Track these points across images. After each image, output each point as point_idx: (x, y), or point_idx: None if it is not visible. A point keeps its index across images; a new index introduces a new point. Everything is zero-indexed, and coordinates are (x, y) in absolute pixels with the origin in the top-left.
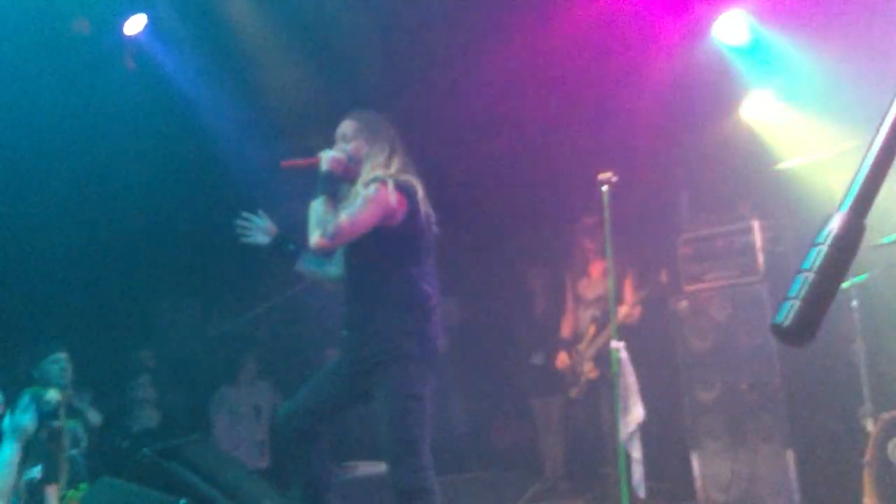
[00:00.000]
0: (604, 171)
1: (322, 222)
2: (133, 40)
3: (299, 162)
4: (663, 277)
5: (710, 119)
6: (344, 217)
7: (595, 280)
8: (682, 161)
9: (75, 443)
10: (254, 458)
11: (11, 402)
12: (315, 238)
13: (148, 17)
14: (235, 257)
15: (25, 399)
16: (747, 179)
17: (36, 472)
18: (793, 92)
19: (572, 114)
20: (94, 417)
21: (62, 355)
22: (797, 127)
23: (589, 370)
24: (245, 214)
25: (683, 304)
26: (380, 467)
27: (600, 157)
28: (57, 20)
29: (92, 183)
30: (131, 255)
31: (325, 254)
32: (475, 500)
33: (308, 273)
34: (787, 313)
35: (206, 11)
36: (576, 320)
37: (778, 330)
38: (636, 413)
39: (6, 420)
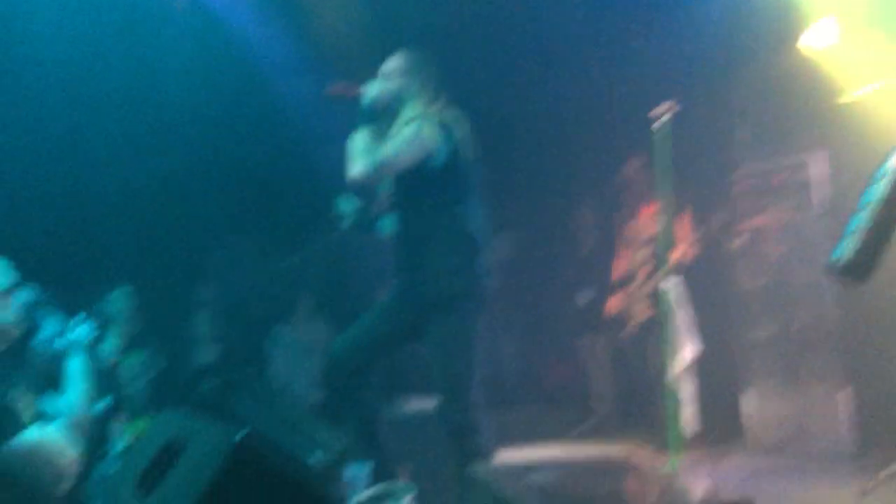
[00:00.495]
0: (659, 105)
1: (364, 154)
2: None
3: (344, 89)
4: (720, 214)
5: (770, 50)
6: (386, 151)
7: (646, 220)
8: (740, 94)
9: (140, 375)
10: (308, 393)
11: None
12: (356, 170)
13: None
14: (289, 196)
15: (74, 321)
16: (807, 112)
17: (106, 401)
18: (858, 17)
19: (625, 45)
20: (156, 356)
21: (125, 290)
22: (861, 57)
23: (641, 311)
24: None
25: (738, 240)
26: (430, 403)
27: (654, 91)
28: None
29: (148, 123)
30: (188, 194)
31: (364, 187)
32: (524, 435)
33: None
34: (845, 251)
35: None
36: (626, 262)
37: (834, 267)
38: (687, 352)
39: (59, 340)
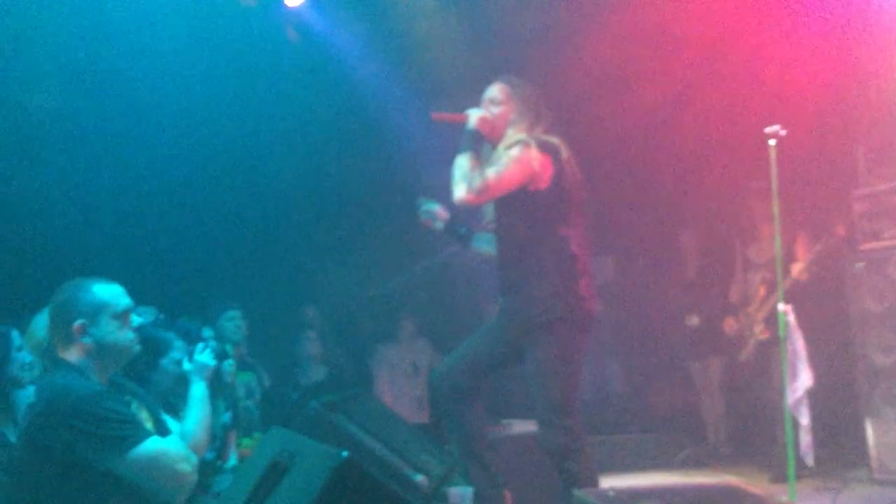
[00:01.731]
0: (770, 126)
1: (468, 177)
2: (294, 12)
3: (448, 116)
4: (839, 231)
5: (889, 67)
6: (490, 173)
7: (765, 243)
8: (857, 113)
9: (250, 394)
10: (413, 413)
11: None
12: (460, 192)
13: None
14: (393, 219)
15: (201, 345)
16: None
17: (227, 417)
18: None
19: (735, 67)
20: (264, 376)
21: (236, 312)
22: None
23: (760, 332)
24: (420, 202)
25: (860, 263)
26: (535, 426)
27: (765, 113)
28: None
29: (259, 151)
30: (295, 217)
31: (468, 209)
32: (631, 461)
33: (481, 253)
34: None
35: None
36: (745, 284)
37: None
38: (804, 378)
39: (185, 363)
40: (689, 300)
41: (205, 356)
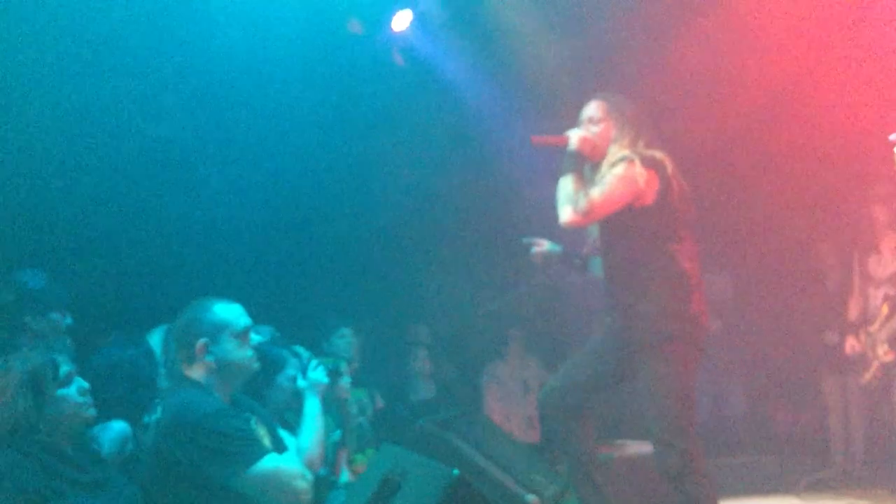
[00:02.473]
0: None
1: (572, 199)
2: (401, 36)
3: (549, 139)
4: None
5: None
6: (595, 193)
7: (887, 255)
8: None
9: (362, 411)
10: (523, 432)
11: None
12: (566, 215)
13: (413, 13)
14: (501, 236)
15: (314, 362)
16: None
17: (336, 435)
18: None
19: (861, 71)
20: (376, 393)
21: (348, 330)
22: None
23: (883, 353)
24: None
25: None
26: (649, 447)
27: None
28: (333, 22)
29: (369, 172)
30: (406, 237)
31: (575, 230)
32: (753, 485)
33: (598, 277)
34: None
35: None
36: (865, 300)
37: None
38: None
39: (300, 380)
40: (827, 316)
41: (318, 373)
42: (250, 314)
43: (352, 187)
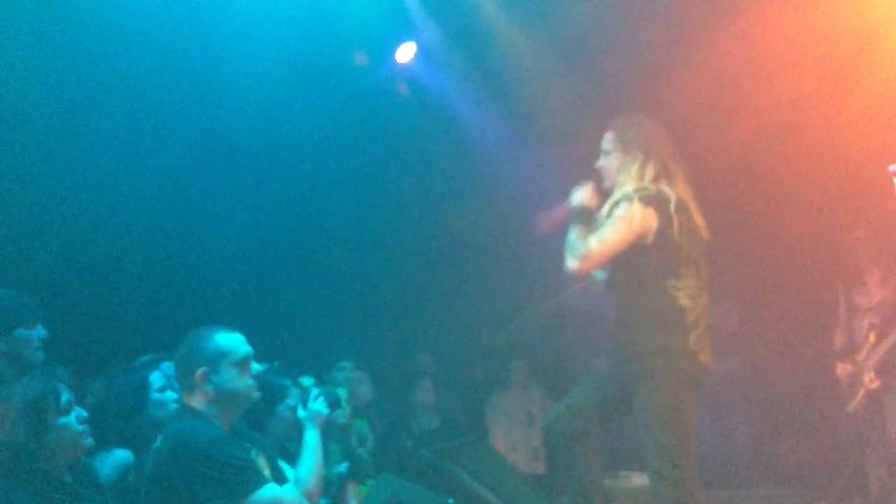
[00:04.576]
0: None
1: (573, 248)
2: (405, 67)
3: (554, 217)
4: None
5: None
6: (593, 241)
7: (872, 287)
8: None
9: (362, 441)
10: (528, 464)
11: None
12: (568, 263)
13: (417, 45)
14: (504, 266)
15: (315, 392)
16: None
17: (343, 467)
18: None
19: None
20: (376, 422)
21: (348, 363)
22: None
23: (869, 380)
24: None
25: None
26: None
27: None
28: (338, 54)
29: (373, 202)
30: (409, 266)
31: (581, 277)
32: None
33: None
34: None
35: (471, 32)
36: (850, 330)
37: None
38: None
39: (300, 410)
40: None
41: (318, 404)
42: (253, 344)
43: (356, 217)
